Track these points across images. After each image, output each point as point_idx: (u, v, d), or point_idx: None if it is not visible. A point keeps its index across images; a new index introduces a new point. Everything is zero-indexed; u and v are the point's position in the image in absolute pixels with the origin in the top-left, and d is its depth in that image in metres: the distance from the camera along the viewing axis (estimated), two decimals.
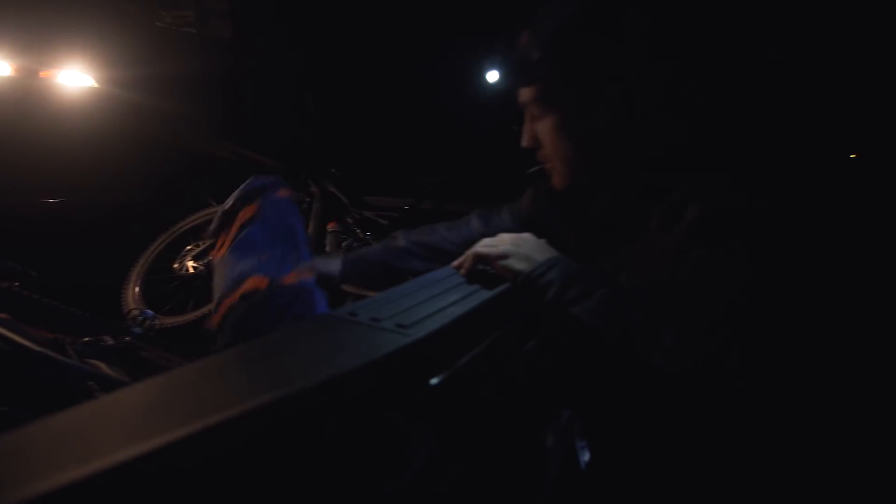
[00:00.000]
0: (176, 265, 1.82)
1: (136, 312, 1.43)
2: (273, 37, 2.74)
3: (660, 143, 0.68)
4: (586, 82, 0.66)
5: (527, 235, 0.72)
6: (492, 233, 1.00)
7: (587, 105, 0.67)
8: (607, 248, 0.73)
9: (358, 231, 1.72)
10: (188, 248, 1.87)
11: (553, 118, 0.69)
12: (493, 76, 0.70)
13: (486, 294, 0.63)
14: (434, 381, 0.49)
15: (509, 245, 0.69)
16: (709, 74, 0.77)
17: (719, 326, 0.54)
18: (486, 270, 0.70)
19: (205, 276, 1.77)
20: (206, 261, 1.79)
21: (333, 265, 1.01)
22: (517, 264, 0.66)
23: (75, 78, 1.89)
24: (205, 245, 1.83)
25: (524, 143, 0.75)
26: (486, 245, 0.71)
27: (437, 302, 0.58)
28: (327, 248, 1.74)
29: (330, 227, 1.79)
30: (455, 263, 0.73)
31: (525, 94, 0.71)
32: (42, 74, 1.85)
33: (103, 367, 0.84)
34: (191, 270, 1.78)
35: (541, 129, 0.71)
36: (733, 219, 0.57)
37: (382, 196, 1.98)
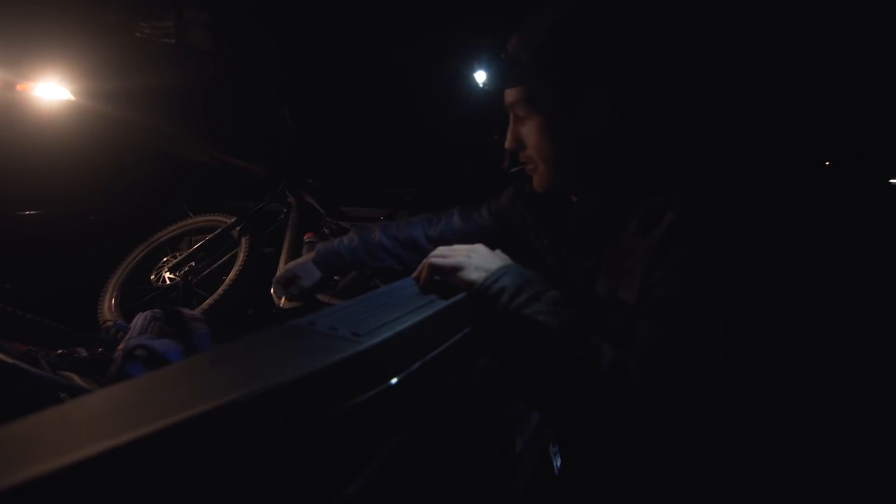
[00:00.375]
0: (153, 276, 1.83)
1: (110, 324, 1.45)
2: (253, 48, 2.78)
3: (644, 150, 0.70)
4: (576, 86, 0.67)
5: (479, 246, 0.76)
6: (470, 230, 1.06)
7: (575, 108, 0.68)
8: (585, 250, 0.75)
9: None
10: (165, 259, 1.89)
11: (539, 119, 0.70)
12: (480, 76, 0.72)
13: (441, 304, 0.68)
14: (394, 380, 0.53)
15: (463, 256, 0.72)
16: (694, 84, 0.79)
17: (684, 326, 0.57)
18: (442, 281, 0.75)
19: (182, 287, 1.79)
20: (183, 271, 1.81)
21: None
22: (471, 274, 0.70)
23: (52, 91, 1.90)
24: (182, 256, 1.85)
25: (507, 144, 0.76)
26: (439, 256, 0.75)
27: (393, 312, 0.62)
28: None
29: (307, 237, 1.83)
30: (414, 275, 0.78)
31: (511, 94, 0.72)
32: (19, 87, 1.86)
33: (76, 378, 0.87)
34: (167, 282, 1.79)
35: (526, 131, 0.73)
36: (706, 222, 0.59)
37: (359, 206, 2.02)
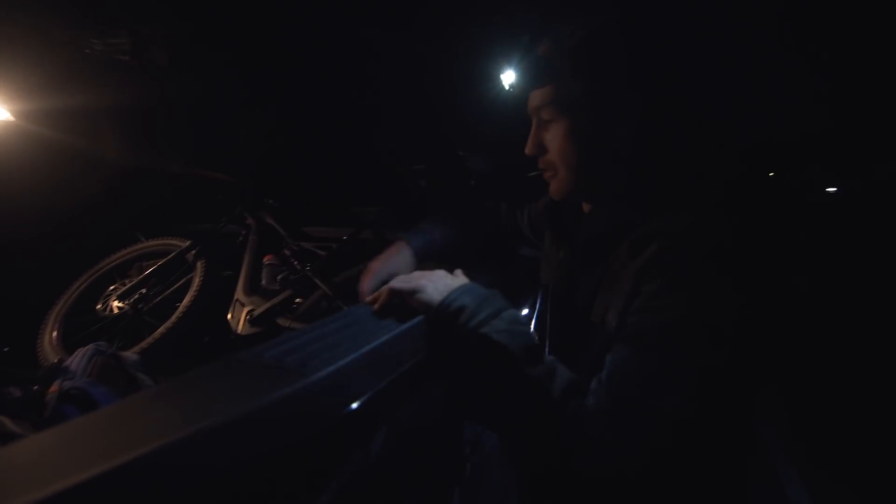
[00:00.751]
0: (99, 306, 1.75)
1: (49, 362, 1.37)
2: (211, 67, 2.74)
3: (655, 174, 0.70)
4: (607, 94, 0.67)
5: (440, 272, 0.77)
6: (510, 229, 1.10)
7: (603, 118, 0.68)
8: (591, 264, 0.75)
9: (296, 263, 1.73)
10: (113, 286, 1.81)
11: (566, 123, 0.70)
12: (508, 77, 0.72)
13: (396, 328, 0.68)
14: (344, 411, 0.53)
15: (423, 280, 0.74)
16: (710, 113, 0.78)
17: (651, 355, 0.57)
18: (401, 305, 0.75)
19: (131, 315, 1.71)
20: (132, 299, 1.74)
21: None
22: (431, 295, 0.71)
23: None
24: (131, 283, 1.77)
25: (528, 148, 0.76)
26: (401, 281, 0.76)
27: (347, 339, 0.62)
28: (263, 282, 1.73)
29: (266, 259, 1.79)
30: (370, 298, 0.78)
31: (540, 96, 0.71)
32: None
33: (7, 422, 0.82)
34: (115, 311, 1.72)
35: (549, 136, 0.73)
36: (684, 257, 0.60)
37: (321, 227, 2.00)
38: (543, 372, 0.62)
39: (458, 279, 0.76)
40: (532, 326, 0.89)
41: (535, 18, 0.74)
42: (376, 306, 0.75)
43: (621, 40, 0.67)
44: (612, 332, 0.65)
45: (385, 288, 0.76)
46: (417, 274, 0.77)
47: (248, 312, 1.64)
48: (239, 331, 1.62)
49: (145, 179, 2.35)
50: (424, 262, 1.13)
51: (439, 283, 0.73)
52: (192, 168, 2.20)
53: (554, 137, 0.72)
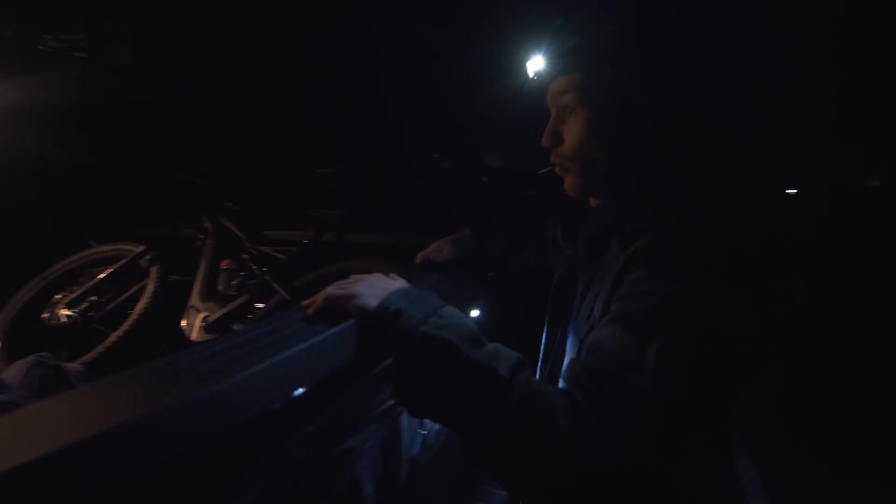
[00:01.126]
0: (45, 314, 1.71)
1: None
2: (171, 64, 2.70)
3: (657, 177, 0.70)
4: (633, 89, 0.67)
5: (377, 275, 0.78)
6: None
7: (625, 113, 0.68)
8: (590, 259, 0.77)
9: (254, 267, 1.72)
10: (61, 294, 1.77)
11: (587, 114, 0.70)
12: (534, 63, 0.72)
13: (323, 333, 0.68)
14: (262, 409, 0.53)
15: (360, 285, 0.74)
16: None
17: (627, 333, 0.57)
18: (336, 309, 0.76)
19: (81, 324, 1.68)
20: (82, 307, 1.70)
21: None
22: (367, 301, 0.72)
23: None
24: (80, 290, 1.74)
25: (545, 139, 0.75)
26: (337, 287, 0.77)
27: (269, 344, 0.63)
28: (220, 287, 1.72)
29: (224, 264, 1.77)
30: (306, 302, 0.78)
31: (564, 82, 0.71)
32: None
33: None
34: (63, 320, 1.68)
35: (568, 127, 0.72)
36: (666, 250, 0.61)
37: (283, 230, 1.99)
38: (486, 354, 0.61)
39: (395, 282, 0.77)
40: (546, 325, 0.90)
41: (567, 6, 0.73)
42: (310, 311, 0.75)
43: (650, 40, 0.69)
44: (596, 321, 0.66)
45: (320, 294, 0.76)
46: (354, 278, 0.78)
47: (203, 318, 1.62)
48: (193, 337, 1.61)
49: (98, 182, 2.30)
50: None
51: (375, 288, 0.73)
52: (148, 168, 2.17)
53: (572, 129, 0.72)
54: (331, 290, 0.76)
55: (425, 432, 1.00)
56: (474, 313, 1.22)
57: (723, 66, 0.73)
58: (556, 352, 0.85)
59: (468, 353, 0.61)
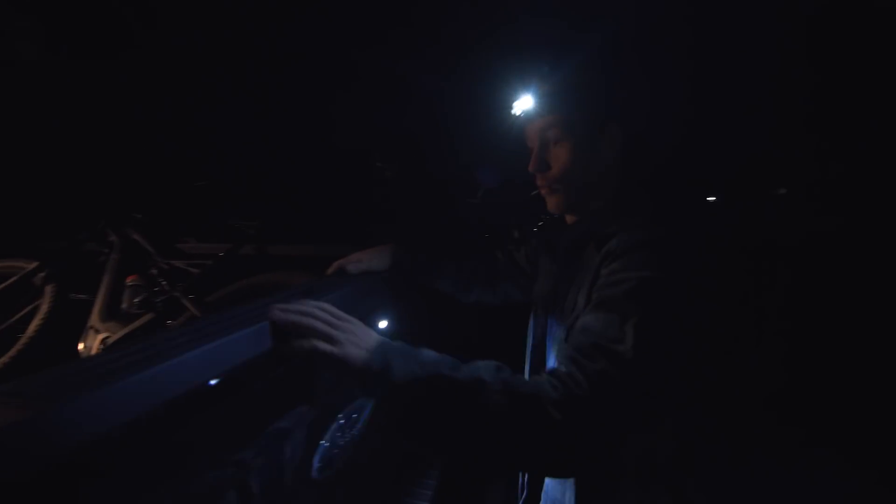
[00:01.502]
0: None
1: None
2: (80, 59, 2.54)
3: (626, 188, 0.86)
4: (603, 118, 0.82)
5: (328, 306, 0.71)
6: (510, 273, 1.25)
7: (597, 139, 0.83)
8: (568, 266, 0.87)
9: (164, 283, 1.64)
10: None
11: (570, 145, 0.84)
12: (521, 104, 0.82)
13: (182, 353, 0.65)
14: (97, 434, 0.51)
15: (339, 332, 0.66)
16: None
17: (609, 313, 0.68)
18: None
19: None
20: None
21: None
22: (352, 356, 0.64)
23: None
24: None
25: (532, 166, 0.88)
26: (294, 313, 0.68)
27: (132, 364, 0.61)
28: (123, 306, 1.63)
29: (129, 280, 1.68)
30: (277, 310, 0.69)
31: (548, 120, 0.85)
32: None
33: None
34: None
35: (554, 155, 0.86)
36: (637, 246, 0.73)
37: (198, 243, 1.92)
38: (469, 370, 0.65)
39: (367, 335, 0.70)
40: (530, 334, 0.99)
41: (548, 52, 0.88)
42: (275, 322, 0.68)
43: (620, 84, 0.84)
44: (581, 310, 0.76)
45: (275, 313, 0.68)
46: (315, 310, 0.70)
47: (102, 340, 1.53)
48: None
49: None
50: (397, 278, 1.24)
51: (361, 339, 0.68)
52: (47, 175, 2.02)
53: (559, 157, 0.85)
54: (285, 314, 0.68)
55: (327, 444, 0.99)
56: (382, 324, 1.23)
57: (670, 104, 0.92)
58: (538, 346, 0.94)
59: (455, 376, 0.63)
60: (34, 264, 1.69)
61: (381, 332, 1.22)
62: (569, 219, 0.94)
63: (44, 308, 1.60)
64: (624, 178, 0.87)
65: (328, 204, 2.15)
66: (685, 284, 0.71)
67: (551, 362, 0.87)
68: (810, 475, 1.89)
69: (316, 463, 0.95)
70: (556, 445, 0.61)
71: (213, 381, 0.65)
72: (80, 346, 1.55)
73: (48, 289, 1.65)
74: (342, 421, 1.06)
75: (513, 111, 0.92)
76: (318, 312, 0.69)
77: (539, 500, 0.91)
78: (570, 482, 0.80)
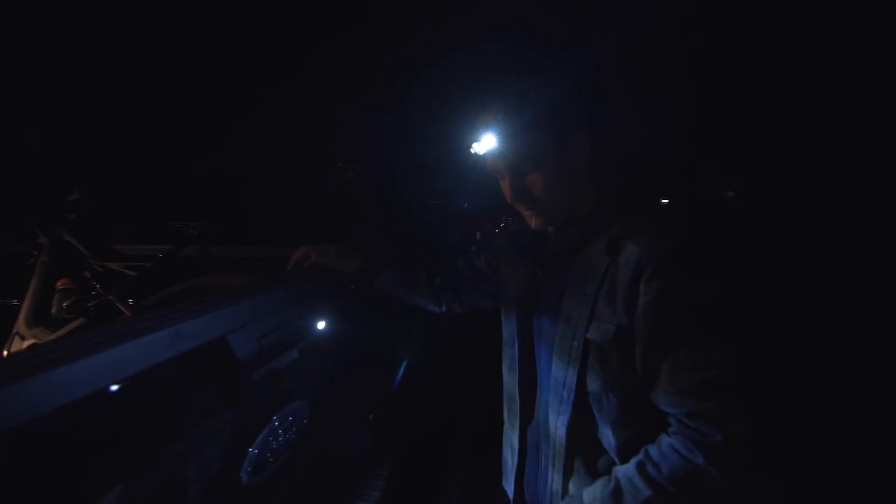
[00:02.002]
0: None
1: None
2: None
3: (606, 188, 0.91)
4: (567, 135, 0.85)
5: None
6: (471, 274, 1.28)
7: (567, 152, 0.85)
8: (557, 275, 0.91)
9: (97, 286, 1.59)
10: None
11: (546, 169, 0.85)
12: (482, 146, 0.86)
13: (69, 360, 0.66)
14: None
15: None
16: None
17: (692, 338, 0.73)
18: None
19: None
20: None
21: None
22: None
23: None
24: None
25: (512, 197, 0.89)
26: None
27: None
28: (53, 310, 1.57)
29: (60, 283, 1.63)
30: None
31: (516, 156, 0.86)
32: None
33: None
34: None
35: (532, 180, 0.87)
36: (670, 252, 0.75)
37: (137, 244, 1.87)
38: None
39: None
40: (514, 338, 1.03)
41: (507, 93, 0.87)
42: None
43: (574, 106, 0.86)
44: (585, 314, 0.82)
45: None
46: None
47: (29, 347, 1.47)
48: None
49: None
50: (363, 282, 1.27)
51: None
52: None
53: (536, 181, 0.87)
54: None
55: (256, 451, 1.00)
56: (321, 324, 1.24)
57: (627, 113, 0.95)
58: (525, 349, 1.00)
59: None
60: None
61: (318, 332, 1.23)
62: (550, 230, 0.96)
63: None
64: (601, 180, 0.91)
65: (276, 204, 2.13)
66: (735, 284, 0.80)
67: (544, 362, 0.93)
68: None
69: (246, 467, 0.96)
70: (725, 484, 0.73)
71: (113, 387, 0.66)
72: (5, 353, 1.50)
73: None
74: (276, 423, 1.07)
75: (473, 150, 0.92)
76: None
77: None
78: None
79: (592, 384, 0.83)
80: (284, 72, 2.46)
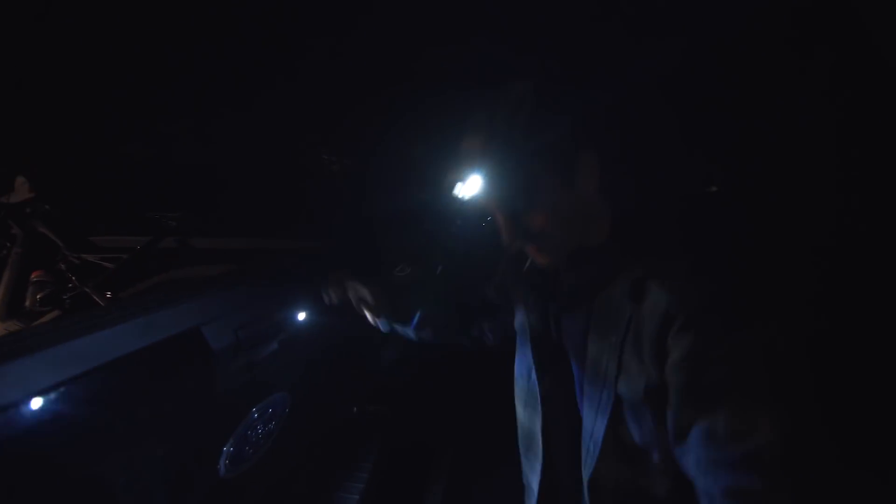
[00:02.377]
0: None
1: None
2: None
3: (623, 220, 0.77)
4: (570, 159, 0.72)
5: None
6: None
7: (572, 178, 0.73)
8: (574, 313, 0.81)
9: (73, 278, 1.58)
10: None
11: (548, 204, 0.74)
12: (468, 188, 0.74)
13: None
14: None
15: None
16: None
17: (730, 404, 0.60)
18: None
19: None
20: None
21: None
22: None
23: None
24: None
25: (508, 240, 0.79)
26: None
27: None
28: (27, 303, 1.55)
29: (35, 275, 1.61)
30: None
31: (515, 198, 0.75)
32: None
33: None
34: None
35: (532, 217, 0.76)
36: (709, 306, 0.64)
37: (115, 235, 1.84)
38: None
39: None
40: (529, 372, 0.93)
41: (498, 133, 0.75)
42: None
43: (572, 145, 0.74)
44: (613, 366, 0.72)
45: None
46: None
47: None
48: None
49: None
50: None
51: None
52: None
53: (535, 219, 0.76)
54: None
55: (233, 442, 1.00)
56: (302, 315, 1.24)
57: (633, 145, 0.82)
58: (550, 395, 0.89)
59: None
60: None
61: (300, 324, 1.23)
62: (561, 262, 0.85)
63: None
64: (614, 204, 0.77)
65: (259, 195, 2.11)
66: (788, 329, 0.62)
67: (569, 406, 0.84)
68: None
69: (224, 459, 0.96)
70: None
71: (79, 376, 0.65)
72: None
73: None
74: (255, 415, 1.07)
75: (457, 194, 0.82)
76: None
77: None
78: None
79: (627, 439, 0.74)
80: (267, 60, 2.43)
